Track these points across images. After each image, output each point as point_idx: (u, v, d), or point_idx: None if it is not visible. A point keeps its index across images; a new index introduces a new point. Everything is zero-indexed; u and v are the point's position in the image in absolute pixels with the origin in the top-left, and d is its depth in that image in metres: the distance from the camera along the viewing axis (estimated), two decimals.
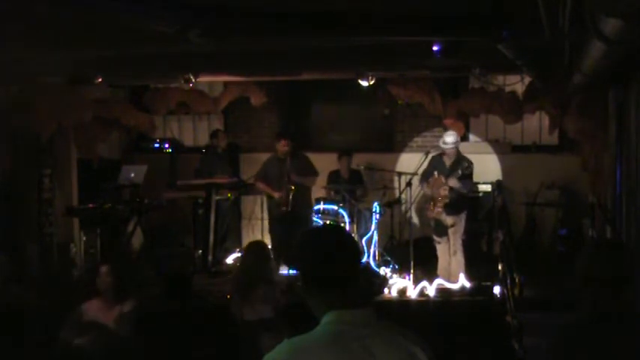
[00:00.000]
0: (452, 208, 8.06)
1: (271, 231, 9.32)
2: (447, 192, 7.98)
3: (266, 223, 9.62)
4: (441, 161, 8.22)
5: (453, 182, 7.95)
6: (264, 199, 9.48)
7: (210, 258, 9.16)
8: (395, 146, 10.71)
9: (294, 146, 9.12)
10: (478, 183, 9.75)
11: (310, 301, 2.09)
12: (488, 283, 7.74)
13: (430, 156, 8.40)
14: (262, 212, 9.51)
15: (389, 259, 8.87)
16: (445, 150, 8.18)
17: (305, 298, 2.11)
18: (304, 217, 8.85)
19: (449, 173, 8.03)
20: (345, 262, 2.07)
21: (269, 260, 6.00)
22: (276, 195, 8.86)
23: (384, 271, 8.57)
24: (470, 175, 8.08)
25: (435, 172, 8.12)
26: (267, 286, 5.77)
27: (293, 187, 8.80)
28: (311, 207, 9.11)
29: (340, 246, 2.10)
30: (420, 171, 8.41)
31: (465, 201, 8.32)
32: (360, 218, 8.93)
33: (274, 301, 5.70)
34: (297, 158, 9.09)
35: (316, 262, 2.06)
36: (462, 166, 7.93)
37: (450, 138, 8.17)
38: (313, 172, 9.20)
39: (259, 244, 6.44)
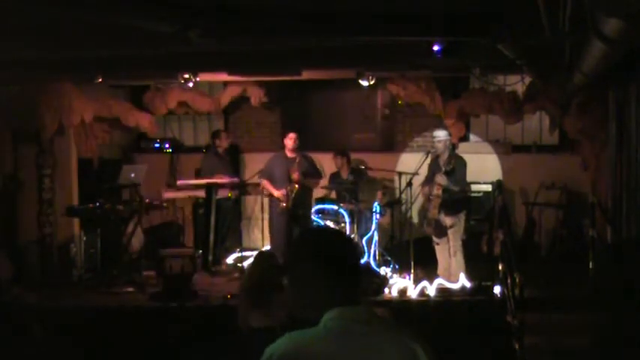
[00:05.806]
0: (449, 208, 8.05)
1: (271, 230, 9.32)
2: (439, 191, 7.99)
3: (266, 223, 9.61)
4: (438, 163, 8.23)
5: (440, 179, 7.94)
6: (265, 199, 9.47)
7: (210, 258, 9.15)
8: (395, 146, 10.70)
9: (300, 147, 9.10)
10: (478, 183, 9.75)
11: (306, 300, 2.09)
12: (489, 283, 7.73)
13: (428, 159, 8.39)
14: (262, 212, 9.49)
15: (389, 259, 8.86)
16: (435, 144, 8.20)
17: (300, 297, 2.10)
18: (304, 217, 8.84)
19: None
20: (347, 259, 2.09)
21: (279, 271, 5.98)
22: (277, 194, 8.86)
23: (384, 271, 8.56)
24: (453, 170, 8.01)
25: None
26: (280, 293, 5.76)
27: (297, 186, 8.81)
28: (311, 207, 9.11)
29: (341, 244, 2.13)
30: (421, 171, 8.41)
31: (463, 201, 8.30)
32: (360, 218, 8.91)
33: (286, 308, 5.69)
34: (305, 159, 9.09)
35: (320, 260, 2.07)
36: (446, 162, 7.95)
37: (439, 132, 8.22)
38: (318, 175, 9.25)
39: (268, 255, 6.48)
